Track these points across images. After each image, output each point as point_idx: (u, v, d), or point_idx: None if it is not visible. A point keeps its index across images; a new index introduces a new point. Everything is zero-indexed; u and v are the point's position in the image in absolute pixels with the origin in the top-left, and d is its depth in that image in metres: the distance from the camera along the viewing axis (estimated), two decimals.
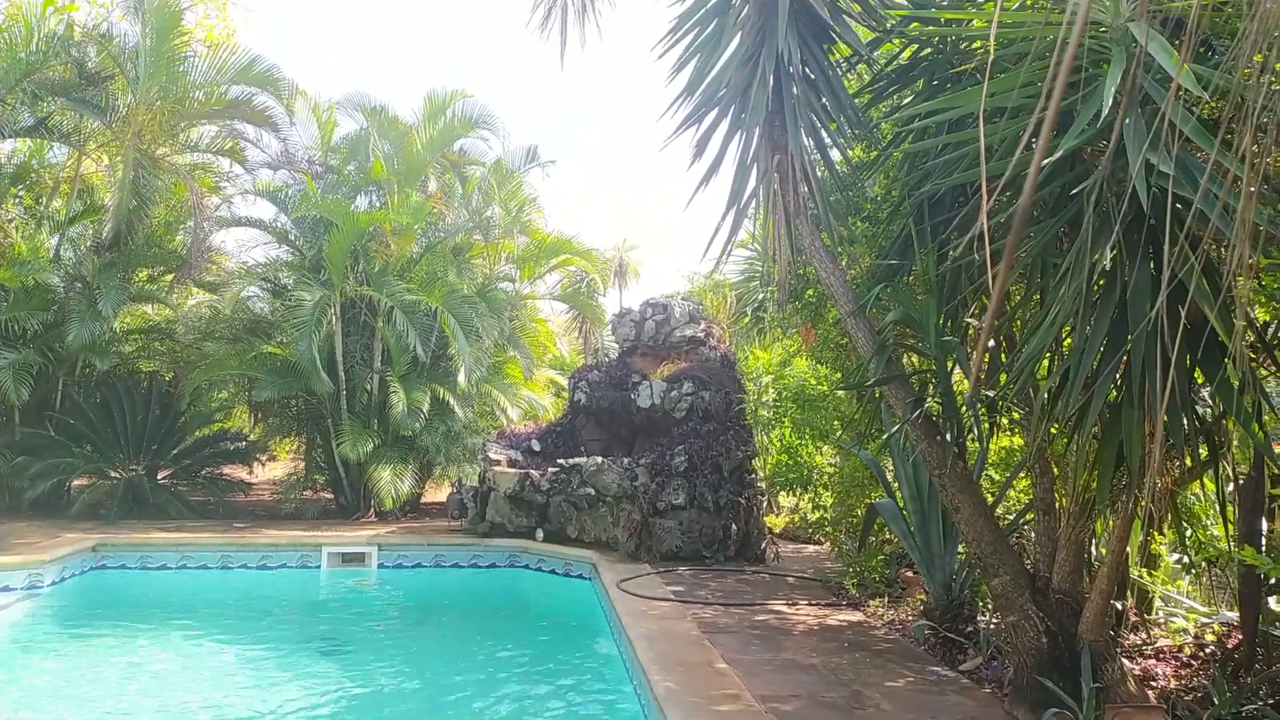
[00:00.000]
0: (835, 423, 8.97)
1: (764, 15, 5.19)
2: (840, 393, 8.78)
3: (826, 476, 9.53)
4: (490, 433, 13.55)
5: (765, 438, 11.04)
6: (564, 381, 16.97)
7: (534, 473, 10.95)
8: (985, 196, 2.46)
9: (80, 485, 13.43)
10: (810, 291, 7.50)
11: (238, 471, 15.40)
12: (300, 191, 14.24)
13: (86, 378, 13.87)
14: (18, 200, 14.55)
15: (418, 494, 14.28)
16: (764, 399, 10.96)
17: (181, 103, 13.20)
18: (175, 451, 14.29)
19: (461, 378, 12.82)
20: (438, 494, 15.63)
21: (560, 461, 11.02)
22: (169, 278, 14.73)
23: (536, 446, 12.35)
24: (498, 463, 11.66)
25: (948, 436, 5.02)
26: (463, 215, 15.55)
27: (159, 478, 13.96)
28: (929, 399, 5.09)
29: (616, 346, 13.61)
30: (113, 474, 13.31)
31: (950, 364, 5.02)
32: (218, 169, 15.58)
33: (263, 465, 16.55)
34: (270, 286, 14.83)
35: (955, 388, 5.22)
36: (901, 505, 7.06)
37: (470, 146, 15.81)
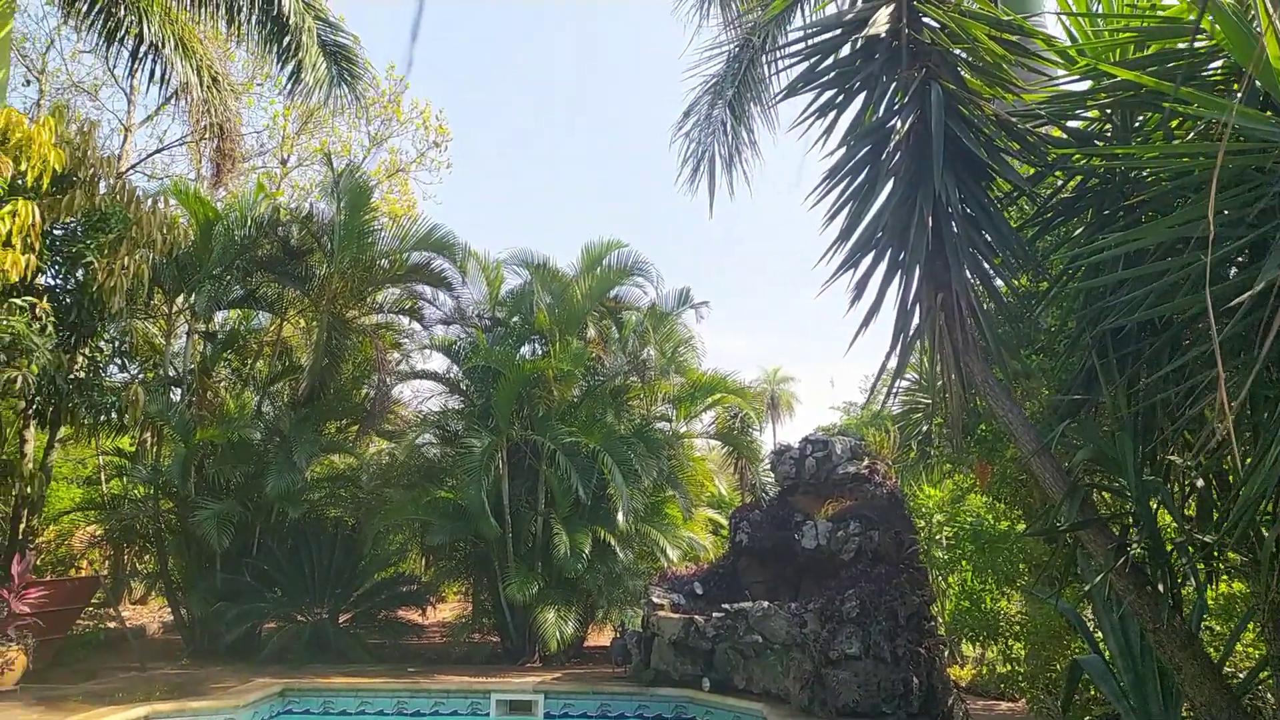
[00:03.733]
0: (1021, 565, 8.32)
1: (916, 160, 5.22)
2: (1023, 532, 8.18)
3: (1017, 626, 8.77)
4: (651, 575, 13.42)
5: (942, 581, 10.36)
6: (722, 520, 16.70)
7: (699, 618, 10.69)
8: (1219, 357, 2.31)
9: (270, 629, 14.18)
10: (983, 426, 7.17)
11: (410, 614, 15.87)
12: (471, 344, 15.20)
13: (279, 525, 14.89)
14: (227, 363, 16.28)
15: (581, 637, 14.19)
16: (937, 538, 10.35)
17: (370, 270, 14.60)
18: (356, 595, 14.94)
19: (620, 518, 12.89)
20: (600, 637, 15.48)
21: (725, 606, 10.72)
22: (354, 429, 15.87)
23: (699, 589, 12.10)
24: (660, 606, 11.48)
25: (1160, 587, 4.56)
26: (620, 359, 16.02)
27: (340, 621, 14.58)
28: (1132, 544, 4.67)
29: (773, 483, 13.34)
30: (299, 618, 14.01)
31: (1154, 505, 4.62)
32: (398, 326, 16.93)
33: (434, 607, 16.99)
34: (442, 434, 15.65)
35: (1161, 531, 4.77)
36: (1109, 660, 6.37)
37: (625, 293, 16.44)
